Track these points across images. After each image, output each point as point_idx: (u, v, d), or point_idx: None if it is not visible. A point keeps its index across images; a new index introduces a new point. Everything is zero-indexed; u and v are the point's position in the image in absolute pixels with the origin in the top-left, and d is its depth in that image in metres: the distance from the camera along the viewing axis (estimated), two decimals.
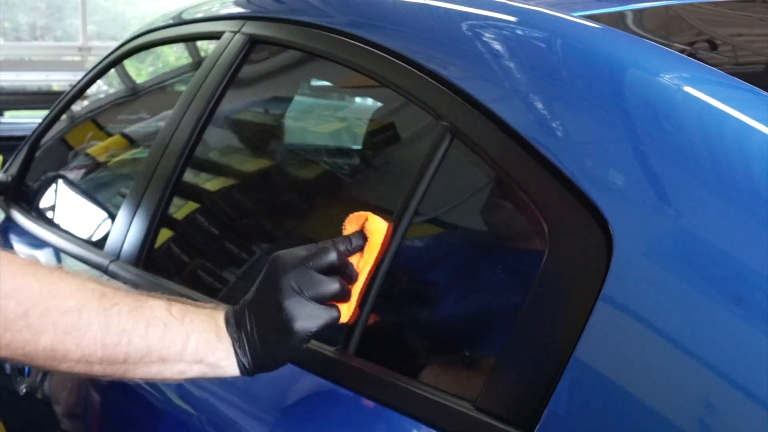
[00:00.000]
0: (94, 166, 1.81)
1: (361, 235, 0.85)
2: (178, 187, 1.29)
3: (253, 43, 1.27)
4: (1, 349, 0.73)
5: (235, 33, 1.30)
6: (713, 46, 1.03)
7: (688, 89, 0.80)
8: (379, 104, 1.22)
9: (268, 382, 0.92)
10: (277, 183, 1.31)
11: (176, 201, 1.32)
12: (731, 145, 0.74)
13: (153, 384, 1.11)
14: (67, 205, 1.74)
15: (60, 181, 1.77)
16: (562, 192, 0.77)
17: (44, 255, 1.57)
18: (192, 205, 1.35)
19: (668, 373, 0.66)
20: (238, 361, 0.82)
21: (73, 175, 1.82)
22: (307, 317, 0.80)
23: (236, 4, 1.44)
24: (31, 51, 7.48)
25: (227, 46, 1.29)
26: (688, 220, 0.70)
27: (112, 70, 1.85)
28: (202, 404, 1.03)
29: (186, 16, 1.57)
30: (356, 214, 0.86)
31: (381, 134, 1.19)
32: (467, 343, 0.90)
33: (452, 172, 0.91)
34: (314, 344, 0.94)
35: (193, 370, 0.81)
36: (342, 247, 0.83)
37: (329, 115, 1.36)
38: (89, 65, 2.27)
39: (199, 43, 1.63)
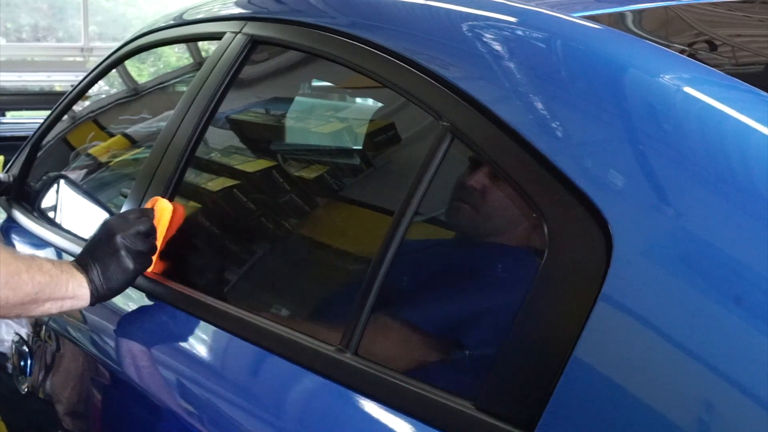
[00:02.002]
0: (96, 166, 1.81)
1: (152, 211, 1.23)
2: (179, 188, 1.29)
3: (254, 43, 1.27)
4: None
5: (236, 33, 1.30)
6: (713, 46, 1.03)
7: (687, 90, 0.80)
8: (380, 105, 1.23)
9: (268, 381, 0.92)
10: (278, 183, 1.31)
11: (177, 201, 1.32)
12: (731, 145, 0.74)
13: (154, 383, 1.11)
14: (68, 205, 1.74)
15: (62, 181, 1.78)
16: (562, 192, 0.77)
17: (45, 254, 1.57)
18: (193, 205, 1.35)
19: (668, 373, 0.66)
20: (91, 289, 1.11)
21: (75, 175, 1.82)
22: (132, 242, 1.15)
23: (237, 4, 1.44)
24: (33, 52, 7.48)
25: (228, 46, 1.30)
26: (687, 220, 0.70)
27: (114, 71, 1.85)
28: (202, 403, 1.03)
29: (187, 17, 1.58)
30: (154, 198, 1.25)
31: (381, 135, 1.19)
32: (467, 343, 0.90)
33: (452, 173, 0.91)
34: (314, 344, 0.94)
35: (66, 305, 1.10)
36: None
37: (330, 115, 1.36)
38: (91, 66, 2.27)
39: (201, 44, 1.63)
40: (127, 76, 1.94)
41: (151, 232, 1.18)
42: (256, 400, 0.97)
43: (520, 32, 0.93)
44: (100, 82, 1.90)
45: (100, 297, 1.13)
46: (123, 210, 1.28)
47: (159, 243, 1.21)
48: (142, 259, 1.16)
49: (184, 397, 1.06)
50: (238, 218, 1.33)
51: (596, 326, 0.70)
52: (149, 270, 1.20)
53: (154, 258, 1.20)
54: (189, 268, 1.31)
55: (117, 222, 1.18)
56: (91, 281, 1.12)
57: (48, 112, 2.00)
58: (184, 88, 1.40)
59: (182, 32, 1.58)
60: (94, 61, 5.45)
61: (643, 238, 0.71)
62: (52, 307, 1.09)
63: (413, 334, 0.95)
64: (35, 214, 1.76)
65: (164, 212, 1.24)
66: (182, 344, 1.12)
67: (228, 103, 1.32)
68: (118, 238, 1.14)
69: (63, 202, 1.75)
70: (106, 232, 1.15)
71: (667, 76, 0.81)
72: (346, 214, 1.16)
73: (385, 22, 1.07)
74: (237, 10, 1.41)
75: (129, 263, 1.13)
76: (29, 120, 4.09)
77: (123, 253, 1.13)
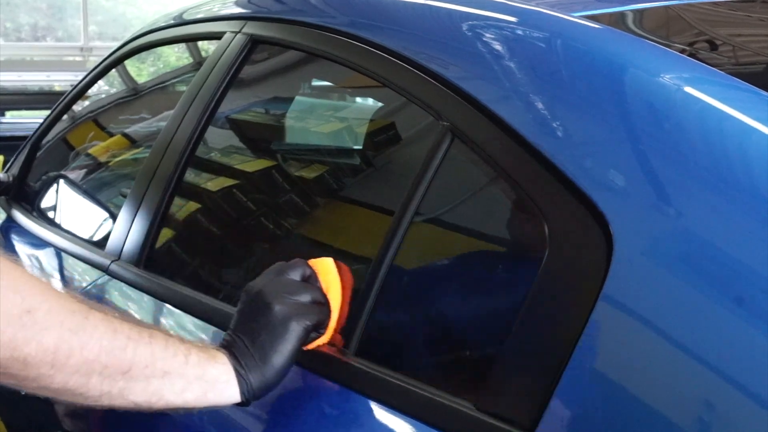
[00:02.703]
0: (96, 166, 1.81)
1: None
2: (179, 187, 1.29)
3: (254, 43, 1.27)
4: (1, 351, 0.67)
5: (236, 33, 1.30)
6: (713, 46, 1.03)
7: (688, 89, 0.80)
8: (380, 105, 1.23)
9: None
10: (278, 183, 1.31)
11: (177, 201, 1.32)
12: (731, 144, 0.74)
13: None
14: (68, 205, 1.74)
15: (61, 181, 1.78)
16: (562, 192, 0.77)
17: (45, 255, 1.58)
18: (193, 205, 1.35)
19: (668, 373, 0.66)
20: (239, 380, 0.80)
21: (75, 175, 1.82)
22: (299, 311, 0.83)
23: (237, 4, 1.44)
24: (32, 51, 7.48)
25: (228, 46, 1.30)
26: (688, 219, 0.70)
27: (114, 71, 1.85)
28: None
29: (187, 17, 1.58)
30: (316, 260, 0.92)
31: (381, 134, 1.19)
32: (468, 343, 0.90)
33: (452, 172, 0.91)
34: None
35: (194, 388, 0.78)
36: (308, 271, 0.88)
37: (330, 115, 1.36)
38: (90, 65, 2.27)
39: (200, 44, 1.63)
40: (127, 76, 1.94)
41: (321, 297, 0.87)
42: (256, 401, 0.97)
43: (520, 32, 0.93)
44: (100, 82, 1.90)
45: (255, 388, 0.81)
46: (272, 268, 0.90)
47: (335, 312, 0.89)
48: (309, 333, 0.85)
49: None
50: (237, 218, 1.33)
51: (597, 326, 0.70)
52: (323, 341, 0.89)
53: (330, 329, 0.89)
54: (189, 268, 1.31)
55: (272, 285, 0.85)
56: (238, 362, 0.80)
57: (48, 112, 2.00)
58: (184, 88, 1.40)
59: (182, 32, 1.58)
60: (93, 60, 5.46)
61: (643, 238, 0.71)
62: (164, 389, 0.77)
63: (413, 334, 0.95)
64: (35, 213, 1.76)
65: (328, 273, 0.91)
66: None
67: (228, 103, 1.32)
68: (277, 307, 0.82)
69: (63, 202, 1.75)
70: (257, 299, 0.84)
71: (668, 76, 0.81)
72: (347, 213, 1.16)
73: (385, 22, 1.07)
74: (237, 10, 1.41)
75: (294, 339, 0.82)
76: (29, 120, 4.10)
77: (291, 325, 0.81)
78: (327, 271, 0.90)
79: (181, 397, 0.77)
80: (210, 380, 0.78)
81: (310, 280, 0.88)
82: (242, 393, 0.80)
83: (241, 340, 0.81)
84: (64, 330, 0.70)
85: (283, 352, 0.81)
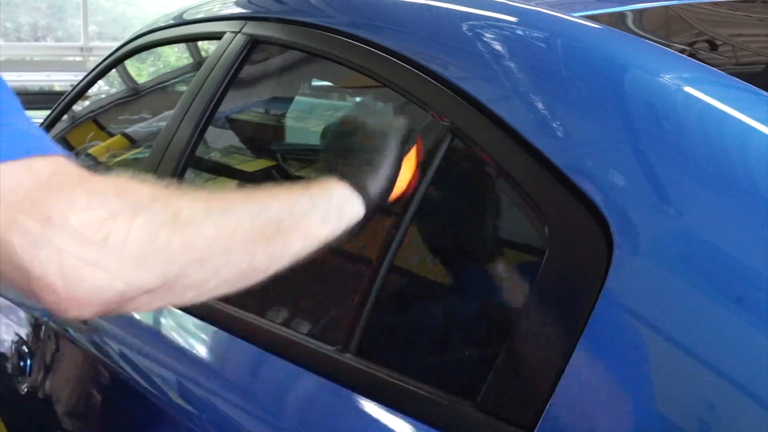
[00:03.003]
0: (96, 166, 1.81)
1: None
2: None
3: (254, 43, 1.27)
4: (175, 261, 0.64)
5: (236, 33, 1.30)
6: (713, 46, 1.03)
7: (688, 89, 0.80)
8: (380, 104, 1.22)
9: (268, 381, 0.92)
10: (278, 183, 1.31)
11: None
12: (731, 144, 0.74)
13: (154, 383, 1.11)
14: None
15: None
16: (562, 192, 0.77)
17: None
18: None
19: (668, 373, 0.66)
20: (357, 189, 0.84)
21: None
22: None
23: (237, 4, 1.44)
24: (32, 51, 7.48)
25: (228, 46, 1.30)
26: (688, 219, 0.70)
27: (114, 71, 1.85)
28: (202, 404, 1.03)
29: (187, 17, 1.58)
30: None
31: None
32: (468, 343, 0.90)
33: (452, 172, 0.91)
34: (314, 344, 0.94)
35: (331, 213, 0.81)
36: None
37: (330, 115, 1.36)
38: (90, 65, 2.27)
39: (200, 44, 1.63)
40: (127, 76, 1.94)
41: None
42: (256, 400, 0.97)
43: (520, 32, 0.93)
44: (100, 82, 1.90)
45: (372, 190, 0.85)
46: None
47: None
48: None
49: (184, 397, 1.06)
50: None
51: (597, 326, 0.70)
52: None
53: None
54: None
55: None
56: (352, 182, 0.84)
57: (48, 112, 2.00)
58: (184, 88, 1.40)
59: (182, 32, 1.58)
60: (93, 60, 5.46)
61: (643, 238, 0.71)
62: (311, 226, 0.78)
63: (413, 334, 0.95)
64: None
65: None
66: (182, 344, 1.12)
67: (228, 103, 1.32)
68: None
69: None
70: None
71: (668, 76, 0.81)
72: None
73: (385, 22, 1.07)
74: (237, 10, 1.41)
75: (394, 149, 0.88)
76: None
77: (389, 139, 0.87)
78: None
79: (327, 225, 0.80)
80: (338, 199, 0.82)
81: None
82: (364, 201, 0.84)
83: (340, 164, 0.86)
84: (214, 214, 0.69)
85: (386, 162, 0.86)
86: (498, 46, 0.91)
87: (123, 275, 0.61)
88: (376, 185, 0.85)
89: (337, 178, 0.84)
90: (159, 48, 1.72)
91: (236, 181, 1.37)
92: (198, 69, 1.38)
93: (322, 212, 0.80)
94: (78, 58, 7.01)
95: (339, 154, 0.88)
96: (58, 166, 0.62)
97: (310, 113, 1.38)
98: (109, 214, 0.61)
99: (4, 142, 0.60)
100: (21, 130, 0.63)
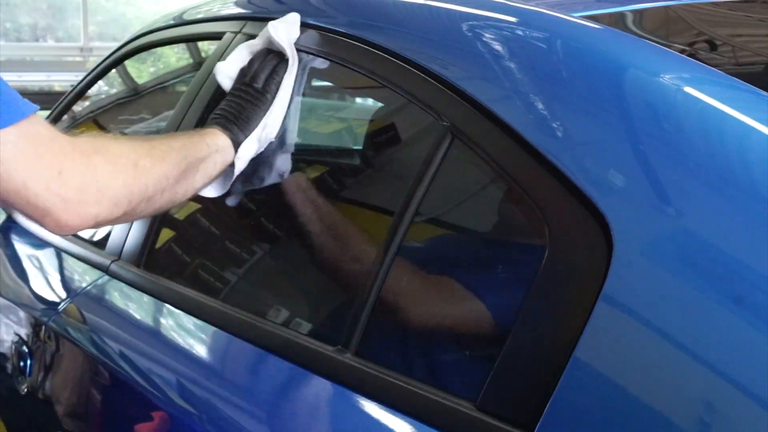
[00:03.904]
0: None
1: None
2: None
3: None
4: (134, 199, 0.90)
5: (236, 34, 1.30)
6: (713, 46, 1.03)
7: (688, 89, 0.80)
8: (380, 104, 1.23)
9: (268, 381, 0.92)
10: (278, 183, 1.31)
11: None
12: (731, 145, 0.74)
13: (153, 383, 1.11)
14: None
15: None
16: (562, 192, 0.77)
17: (46, 255, 1.58)
18: (193, 205, 1.35)
19: (668, 373, 0.66)
20: (232, 142, 1.05)
21: None
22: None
23: (237, 4, 1.44)
24: (32, 52, 7.48)
25: (228, 46, 1.30)
26: (688, 219, 0.70)
27: (114, 71, 1.85)
28: (202, 404, 1.03)
29: (187, 17, 1.57)
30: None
31: (382, 135, 1.19)
32: (467, 343, 0.90)
33: (453, 173, 0.91)
34: (314, 344, 0.94)
35: (218, 160, 1.03)
36: None
37: (330, 115, 1.36)
38: (90, 66, 2.27)
39: (200, 44, 1.63)
40: (127, 76, 1.94)
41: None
42: (256, 400, 0.97)
43: (520, 32, 0.93)
44: (100, 82, 1.90)
45: (240, 141, 1.06)
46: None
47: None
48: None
49: (184, 397, 1.06)
50: (237, 218, 1.33)
51: (597, 326, 0.70)
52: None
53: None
54: (189, 269, 1.31)
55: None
56: (224, 128, 1.06)
57: (47, 112, 2.00)
58: (184, 88, 1.40)
59: (182, 32, 1.57)
60: (93, 61, 5.46)
61: (643, 238, 0.71)
62: (206, 169, 1.02)
63: (413, 334, 0.95)
64: None
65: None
66: (182, 344, 1.12)
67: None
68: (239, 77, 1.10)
69: None
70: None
71: (668, 76, 0.82)
72: (347, 214, 1.16)
73: (385, 22, 1.07)
74: (237, 10, 1.41)
75: (260, 92, 1.08)
76: None
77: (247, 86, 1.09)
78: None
79: (216, 168, 1.04)
80: (222, 150, 1.04)
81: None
82: (235, 151, 1.05)
83: (227, 118, 1.07)
84: (156, 162, 0.94)
85: (256, 122, 1.07)
86: (498, 47, 0.91)
87: (104, 210, 0.88)
88: (245, 138, 1.06)
89: (221, 128, 1.06)
90: (159, 48, 1.72)
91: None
92: (198, 69, 1.38)
93: (214, 158, 1.03)
94: (78, 59, 7.00)
95: (224, 110, 1.08)
96: (52, 130, 0.88)
97: (310, 113, 1.38)
98: (94, 169, 0.86)
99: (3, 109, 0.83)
100: (3, 99, 0.86)
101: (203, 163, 1.01)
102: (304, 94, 1.38)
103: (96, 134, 0.93)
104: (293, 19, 1.14)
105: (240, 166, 1.07)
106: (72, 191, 0.84)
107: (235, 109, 1.08)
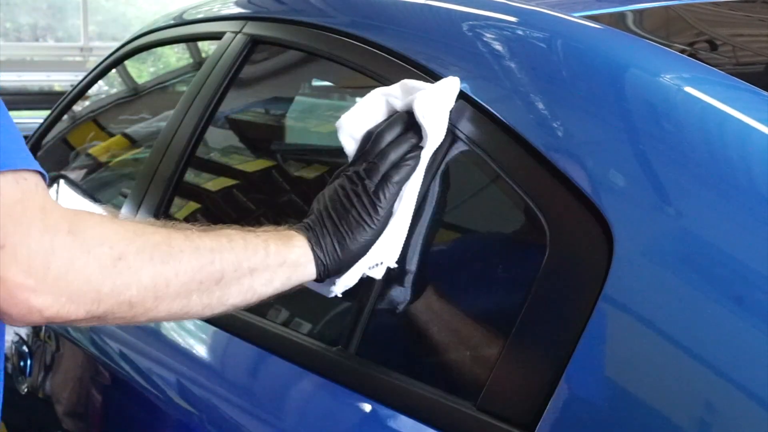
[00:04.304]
0: (96, 166, 1.81)
1: None
2: (179, 187, 1.29)
3: (254, 43, 1.27)
4: (105, 301, 0.71)
5: (236, 33, 1.30)
6: (713, 46, 1.03)
7: (688, 89, 0.80)
8: None
9: (268, 381, 0.92)
10: (278, 183, 1.31)
11: (177, 201, 1.32)
12: (732, 144, 0.74)
13: (153, 383, 1.11)
14: (68, 205, 1.74)
15: (61, 181, 1.78)
16: (562, 192, 0.77)
17: None
18: (193, 205, 1.35)
19: (669, 373, 0.66)
20: (315, 259, 0.83)
21: (75, 175, 1.82)
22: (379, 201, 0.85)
23: (237, 4, 1.44)
24: (32, 51, 7.47)
25: (228, 46, 1.30)
26: (688, 219, 0.70)
27: (114, 71, 1.85)
28: (202, 403, 1.03)
29: (187, 17, 1.58)
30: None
31: None
32: (468, 343, 0.90)
33: (453, 173, 0.91)
34: (314, 344, 0.94)
35: (279, 276, 0.81)
36: None
37: (330, 115, 1.36)
38: (90, 66, 2.27)
39: (201, 44, 1.63)
40: (127, 76, 1.94)
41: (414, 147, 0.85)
42: (256, 400, 0.97)
43: (520, 32, 0.93)
44: (100, 82, 1.90)
45: (330, 270, 0.83)
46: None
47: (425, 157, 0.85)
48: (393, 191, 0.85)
49: (184, 397, 1.06)
50: (237, 218, 1.33)
51: (597, 326, 0.70)
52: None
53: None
54: None
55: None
56: (317, 242, 0.83)
57: (48, 112, 2.00)
58: (184, 88, 1.40)
59: (182, 32, 1.58)
60: (93, 60, 5.46)
61: (644, 239, 0.71)
62: (254, 284, 0.80)
63: (413, 334, 0.95)
64: None
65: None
66: (182, 344, 1.12)
67: (228, 103, 1.32)
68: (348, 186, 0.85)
69: (63, 202, 1.75)
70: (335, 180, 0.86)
71: (668, 76, 0.81)
72: None
73: (385, 22, 1.07)
74: (237, 10, 1.41)
75: (370, 211, 0.84)
76: (29, 120, 4.09)
77: (359, 197, 0.84)
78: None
79: (271, 286, 0.81)
80: (291, 264, 0.82)
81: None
82: (318, 273, 0.83)
83: (321, 221, 0.84)
84: (156, 264, 0.74)
85: (359, 242, 0.84)
86: (498, 47, 0.91)
87: (54, 305, 0.69)
88: (338, 261, 0.83)
89: (304, 234, 0.84)
90: (159, 48, 1.72)
91: (236, 181, 1.37)
92: (198, 69, 1.38)
93: (271, 273, 0.81)
94: (78, 58, 7.00)
95: (335, 208, 0.85)
96: (24, 192, 0.68)
97: (310, 113, 1.38)
98: (54, 251, 0.68)
99: None
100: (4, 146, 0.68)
101: (250, 277, 0.80)
102: (305, 95, 1.38)
103: (93, 208, 0.70)
104: (445, 88, 0.86)
105: (327, 293, 0.86)
106: (14, 271, 0.66)
107: (337, 211, 0.84)
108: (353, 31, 1.07)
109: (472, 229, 0.98)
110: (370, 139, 0.87)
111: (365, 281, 0.87)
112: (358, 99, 1.34)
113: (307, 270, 0.83)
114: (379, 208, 0.84)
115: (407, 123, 0.86)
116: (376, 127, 0.88)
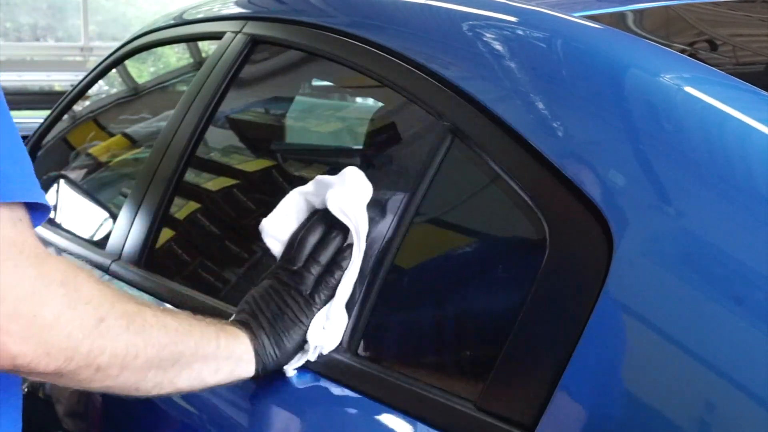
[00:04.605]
0: (96, 166, 1.81)
1: None
2: (179, 187, 1.29)
3: (254, 43, 1.27)
4: (77, 361, 0.70)
5: (236, 33, 1.30)
6: (713, 46, 1.03)
7: (688, 89, 0.80)
8: (380, 104, 1.22)
9: (267, 381, 0.92)
10: (278, 183, 1.31)
11: (177, 201, 1.32)
12: (731, 144, 0.74)
13: None
14: (68, 205, 1.74)
15: (61, 181, 1.78)
16: (562, 192, 0.77)
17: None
18: (193, 205, 1.35)
19: (668, 373, 0.66)
20: (256, 358, 0.86)
21: (75, 175, 1.82)
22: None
23: (237, 4, 1.44)
24: (32, 51, 7.48)
25: (228, 46, 1.30)
26: (688, 219, 0.70)
27: (114, 71, 1.85)
28: (203, 403, 1.03)
29: (187, 17, 1.58)
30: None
31: (382, 134, 1.19)
32: (468, 343, 0.90)
33: (453, 173, 0.91)
34: None
35: (224, 368, 0.84)
36: None
37: (330, 115, 1.36)
38: (91, 65, 2.27)
39: (200, 44, 1.63)
40: (127, 76, 1.94)
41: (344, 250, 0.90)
42: (256, 400, 0.97)
43: (520, 32, 0.93)
44: (100, 82, 1.90)
45: (269, 368, 0.88)
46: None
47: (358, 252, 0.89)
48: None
49: (184, 397, 1.06)
50: (237, 218, 1.33)
51: (597, 326, 0.70)
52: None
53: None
54: (189, 268, 1.31)
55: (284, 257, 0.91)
56: (252, 335, 0.87)
57: (48, 112, 2.00)
58: (184, 88, 1.40)
59: (182, 32, 1.58)
60: (93, 60, 5.46)
61: (643, 239, 0.71)
62: (208, 374, 0.83)
63: (413, 334, 0.95)
64: None
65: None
66: None
67: (228, 103, 1.32)
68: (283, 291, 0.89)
69: (63, 202, 1.75)
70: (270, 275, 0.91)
71: (668, 76, 0.82)
72: None
73: (385, 22, 1.07)
74: (237, 10, 1.41)
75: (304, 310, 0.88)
76: (29, 120, 4.09)
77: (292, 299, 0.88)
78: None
79: (216, 377, 0.84)
80: (236, 359, 0.85)
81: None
82: (257, 370, 0.87)
83: (258, 321, 0.88)
84: (131, 334, 0.74)
85: (295, 339, 0.88)
86: (498, 46, 0.91)
87: (29, 355, 0.67)
88: (276, 360, 0.88)
89: (246, 332, 0.87)
90: (159, 48, 1.72)
91: (236, 181, 1.37)
92: (198, 69, 1.38)
93: (219, 363, 0.84)
94: (78, 58, 7.01)
95: (268, 303, 0.89)
96: (20, 233, 0.67)
97: (310, 113, 1.38)
98: (42, 302, 0.67)
99: None
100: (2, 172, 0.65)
101: (205, 365, 0.82)
102: (305, 95, 1.38)
103: (83, 269, 0.73)
104: (351, 180, 0.90)
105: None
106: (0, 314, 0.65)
107: (272, 312, 0.88)
108: (353, 31, 1.07)
109: (472, 229, 0.98)
110: (295, 242, 0.90)
111: (366, 280, 0.87)
112: (358, 99, 1.35)
113: (249, 367, 0.86)
114: (314, 309, 0.88)
115: (328, 221, 0.90)
116: (299, 229, 0.92)
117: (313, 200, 0.92)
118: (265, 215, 1.12)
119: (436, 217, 0.96)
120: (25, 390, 1.40)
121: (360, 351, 0.90)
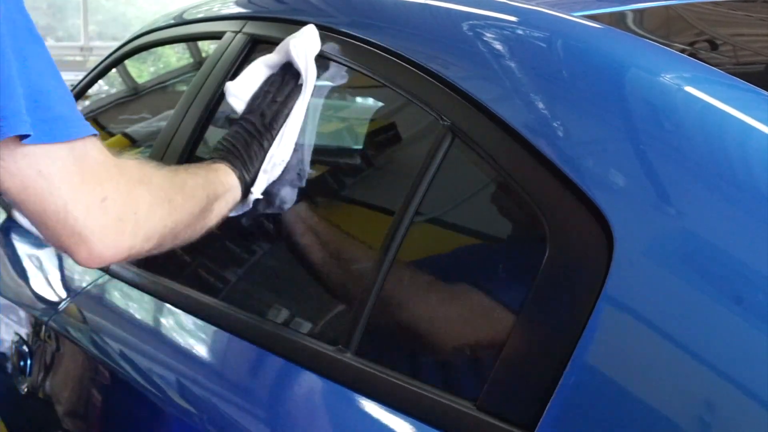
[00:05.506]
0: None
1: None
2: None
3: (254, 43, 1.27)
4: (164, 236, 0.88)
5: (236, 33, 1.30)
6: (713, 46, 1.03)
7: (688, 89, 0.80)
8: (380, 104, 1.22)
9: (268, 381, 0.92)
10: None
11: None
12: (732, 144, 0.74)
13: (154, 383, 1.11)
14: None
15: None
16: (562, 192, 0.77)
17: (46, 254, 1.58)
18: None
19: (669, 373, 0.66)
20: (240, 178, 1.01)
21: None
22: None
23: (237, 4, 1.44)
24: None
25: (228, 46, 1.30)
26: (688, 219, 0.70)
27: (114, 71, 1.85)
28: (202, 403, 1.03)
29: (187, 16, 1.57)
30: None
31: (382, 134, 1.19)
32: (468, 343, 0.90)
33: (453, 172, 0.91)
34: (314, 344, 0.94)
35: (228, 200, 1.01)
36: None
37: (330, 115, 1.36)
38: (91, 65, 2.27)
39: (200, 44, 1.63)
40: (127, 76, 1.94)
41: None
42: (257, 400, 0.97)
43: (520, 31, 0.93)
44: (100, 82, 1.90)
45: (247, 184, 1.03)
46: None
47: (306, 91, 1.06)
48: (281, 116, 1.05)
49: (184, 397, 1.06)
50: (237, 217, 1.33)
51: (597, 326, 0.70)
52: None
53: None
54: (190, 268, 1.31)
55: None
56: (232, 166, 1.02)
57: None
58: (184, 88, 1.40)
59: (182, 32, 1.57)
60: (93, 60, 5.46)
61: (644, 238, 0.71)
62: (220, 208, 0.99)
63: (413, 334, 0.95)
64: None
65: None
66: (182, 344, 1.12)
67: (228, 103, 1.32)
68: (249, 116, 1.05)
69: None
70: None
71: (668, 76, 0.82)
72: (347, 214, 1.16)
73: (385, 22, 1.07)
74: (237, 10, 1.41)
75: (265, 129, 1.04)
76: None
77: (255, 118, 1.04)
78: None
79: (226, 208, 1.00)
80: (231, 189, 1.01)
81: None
82: (242, 190, 1.02)
83: (233, 154, 1.03)
84: (187, 200, 0.91)
85: (261, 160, 1.04)
86: (498, 46, 0.91)
87: (135, 245, 0.84)
88: (251, 173, 1.03)
89: (229, 165, 1.02)
90: (159, 48, 1.72)
91: None
92: (198, 69, 1.38)
93: (225, 197, 1.00)
94: (78, 58, 7.01)
95: (230, 143, 1.04)
96: (103, 152, 0.81)
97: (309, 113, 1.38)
98: (136, 202, 0.83)
99: (52, 126, 0.77)
100: (63, 115, 0.78)
101: (217, 202, 0.98)
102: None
103: (138, 157, 0.90)
104: (310, 33, 1.07)
105: (249, 204, 1.05)
106: (112, 220, 0.80)
107: (241, 145, 1.04)
108: (353, 31, 1.07)
109: (472, 228, 0.98)
110: (258, 96, 1.06)
111: (364, 281, 0.87)
112: (358, 99, 1.35)
113: (238, 192, 1.02)
114: (273, 133, 1.04)
115: (282, 77, 1.06)
116: (261, 87, 1.07)
117: (272, 62, 1.08)
118: (264, 214, 1.12)
119: (436, 217, 0.96)
120: (25, 390, 1.40)
121: (360, 350, 0.90)
